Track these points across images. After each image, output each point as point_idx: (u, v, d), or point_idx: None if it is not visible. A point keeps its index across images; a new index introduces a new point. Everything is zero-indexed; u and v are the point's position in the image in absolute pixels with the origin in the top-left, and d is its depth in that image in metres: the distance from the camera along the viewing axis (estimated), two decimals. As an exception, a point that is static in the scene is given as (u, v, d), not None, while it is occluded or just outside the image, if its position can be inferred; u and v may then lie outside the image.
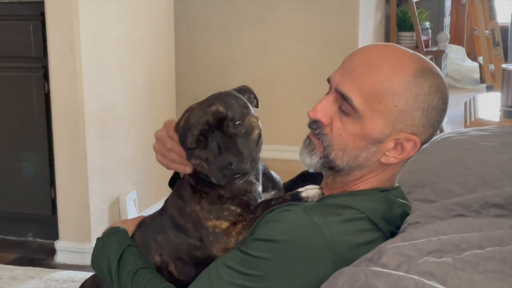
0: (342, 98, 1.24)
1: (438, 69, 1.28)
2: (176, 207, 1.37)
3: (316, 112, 1.26)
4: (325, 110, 1.26)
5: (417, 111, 1.23)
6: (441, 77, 1.27)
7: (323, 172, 1.33)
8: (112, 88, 3.00)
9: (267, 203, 1.26)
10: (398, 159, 1.27)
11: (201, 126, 1.23)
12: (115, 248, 1.41)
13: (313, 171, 1.32)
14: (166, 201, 1.42)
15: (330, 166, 1.29)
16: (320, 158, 1.28)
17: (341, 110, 1.25)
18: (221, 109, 1.24)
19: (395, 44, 1.31)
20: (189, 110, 1.30)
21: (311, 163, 1.29)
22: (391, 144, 1.25)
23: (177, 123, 1.32)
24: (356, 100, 1.22)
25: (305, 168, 1.35)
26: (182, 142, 1.28)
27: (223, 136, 1.23)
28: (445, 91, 1.27)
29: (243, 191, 1.30)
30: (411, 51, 1.28)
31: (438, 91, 1.25)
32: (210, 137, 1.23)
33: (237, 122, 1.24)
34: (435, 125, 1.27)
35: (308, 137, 1.31)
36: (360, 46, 4.95)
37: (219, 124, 1.23)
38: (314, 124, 1.28)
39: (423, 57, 1.29)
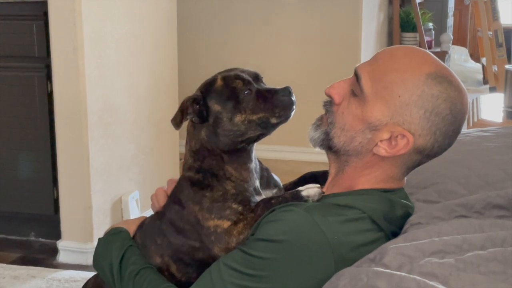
0: (356, 80, 1.27)
1: (462, 87, 1.26)
2: (173, 211, 1.37)
3: (332, 89, 1.31)
4: (340, 89, 1.30)
5: (418, 109, 1.22)
6: (461, 93, 1.24)
7: (326, 154, 1.35)
8: (115, 88, 3.00)
9: (267, 202, 1.27)
10: (389, 153, 1.25)
11: (247, 76, 1.34)
12: (117, 248, 1.41)
13: (316, 147, 1.34)
14: (164, 206, 1.42)
15: (328, 145, 1.31)
16: (322, 134, 1.32)
17: (352, 92, 1.28)
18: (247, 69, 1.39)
19: (429, 52, 1.31)
20: (214, 79, 1.36)
21: (314, 136, 1.33)
22: (385, 135, 1.25)
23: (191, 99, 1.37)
24: (365, 82, 1.25)
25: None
26: (228, 96, 1.32)
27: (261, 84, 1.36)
28: (458, 106, 1.24)
29: (244, 183, 1.31)
30: (443, 63, 1.27)
31: (448, 101, 1.22)
32: (255, 85, 1.34)
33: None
34: (437, 134, 1.24)
35: (321, 115, 1.35)
36: (363, 47, 4.90)
37: (256, 78, 1.36)
38: (328, 102, 1.33)
39: (453, 72, 1.27)
